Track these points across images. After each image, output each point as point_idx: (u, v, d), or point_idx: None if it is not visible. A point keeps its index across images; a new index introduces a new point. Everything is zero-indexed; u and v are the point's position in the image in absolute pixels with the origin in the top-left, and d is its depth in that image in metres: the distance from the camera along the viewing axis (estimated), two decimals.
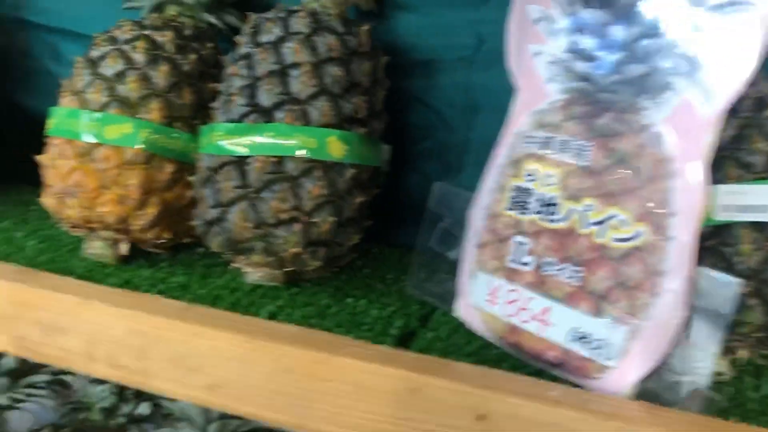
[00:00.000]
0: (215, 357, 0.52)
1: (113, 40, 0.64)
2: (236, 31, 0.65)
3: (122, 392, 0.87)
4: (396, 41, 0.70)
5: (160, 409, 0.88)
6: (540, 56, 0.54)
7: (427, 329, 0.57)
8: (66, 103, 0.64)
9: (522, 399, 0.45)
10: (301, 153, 0.56)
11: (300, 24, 0.59)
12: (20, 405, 0.92)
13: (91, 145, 0.61)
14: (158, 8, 0.69)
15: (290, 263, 0.60)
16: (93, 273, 0.64)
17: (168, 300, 0.57)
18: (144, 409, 0.87)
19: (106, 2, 0.82)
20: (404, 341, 0.55)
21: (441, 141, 0.72)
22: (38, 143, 0.87)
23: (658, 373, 0.45)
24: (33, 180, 0.87)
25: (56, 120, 0.64)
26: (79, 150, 0.62)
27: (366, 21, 0.64)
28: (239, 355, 0.51)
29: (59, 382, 0.96)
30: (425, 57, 0.70)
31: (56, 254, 0.67)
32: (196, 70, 0.65)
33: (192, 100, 0.64)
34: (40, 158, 0.66)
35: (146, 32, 0.64)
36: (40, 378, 0.92)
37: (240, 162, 0.58)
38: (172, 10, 0.69)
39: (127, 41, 0.64)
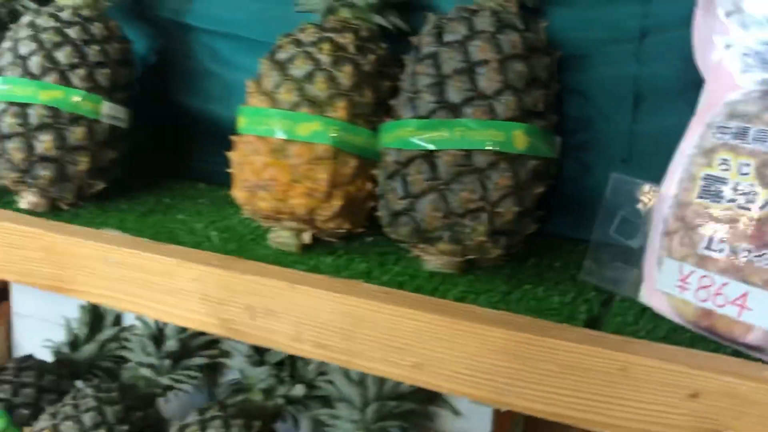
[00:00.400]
0: (421, 337, 0.56)
1: (299, 43, 0.69)
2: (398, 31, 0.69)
3: (279, 374, 0.92)
4: (555, 36, 0.72)
5: (314, 390, 0.93)
6: (732, 48, 0.55)
7: (613, 314, 0.59)
8: (256, 102, 0.69)
9: (737, 378, 0.47)
10: (489, 146, 0.60)
11: (484, 23, 0.62)
12: (180, 386, 0.99)
13: (283, 141, 0.66)
14: (330, 11, 0.73)
15: (473, 251, 0.63)
16: (280, 260, 0.68)
17: (369, 284, 0.61)
18: (299, 390, 0.92)
19: (260, 6, 0.87)
20: (591, 326, 0.57)
21: (600, 132, 0.73)
22: (197, 139, 0.94)
23: None
24: (192, 175, 0.94)
25: (248, 119, 0.69)
26: (273, 147, 0.66)
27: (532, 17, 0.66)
28: (445, 336, 0.55)
29: (215, 365, 1.02)
30: (585, 51, 0.72)
31: (241, 244, 0.73)
32: (375, 70, 0.69)
33: (372, 98, 0.68)
34: (232, 155, 0.71)
35: (329, 35, 0.68)
36: (199, 361, 0.99)
37: (428, 156, 0.61)
38: (343, 13, 0.73)
39: (313, 44, 0.68)
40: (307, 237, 0.70)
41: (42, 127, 0.76)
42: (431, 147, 0.61)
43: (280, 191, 0.67)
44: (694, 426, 0.48)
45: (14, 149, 0.75)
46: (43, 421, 0.89)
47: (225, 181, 0.91)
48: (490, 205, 0.61)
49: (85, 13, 0.82)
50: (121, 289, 0.68)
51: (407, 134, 0.62)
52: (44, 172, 0.76)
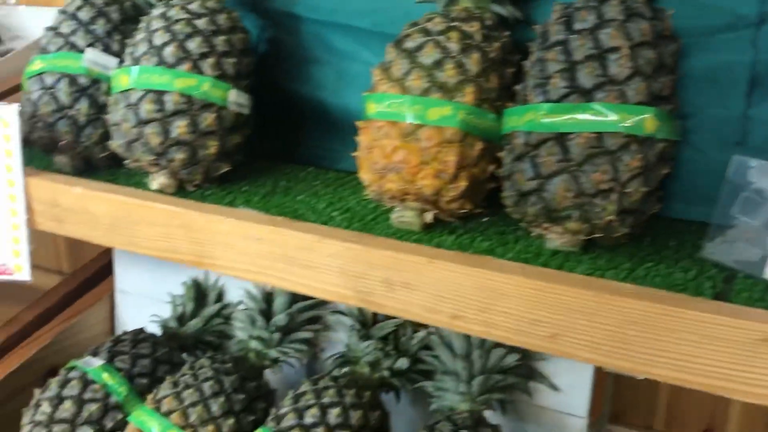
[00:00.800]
0: (561, 310, 0.60)
1: (427, 32, 0.72)
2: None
3: (384, 348, 0.97)
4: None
5: (417, 363, 0.97)
6: None
7: (738, 290, 0.61)
8: (386, 89, 0.72)
9: None
10: (622, 129, 0.62)
11: (614, 11, 0.65)
12: (286, 359, 1.05)
13: (414, 126, 0.70)
14: (451, 2, 0.77)
15: (600, 230, 0.66)
16: (404, 238, 0.73)
17: (503, 260, 0.65)
18: (403, 363, 0.97)
19: None
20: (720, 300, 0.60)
21: (713, 116, 0.75)
22: (307, 125, 0.98)
23: None
24: (302, 159, 0.99)
25: (377, 105, 0.72)
26: (403, 131, 0.70)
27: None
28: (587, 308, 0.59)
29: (316, 339, 1.08)
30: (700, 37, 0.74)
31: (363, 223, 0.77)
32: (499, 57, 0.72)
33: (497, 84, 0.71)
34: (360, 139, 0.75)
35: (456, 24, 0.72)
36: (304, 335, 1.04)
37: (560, 138, 0.65)
38: (464, 3, 0.76)
39: (441, 32, 0.72)
40: (429, 216, 0.74)
41: (177, 113, 0.81)
42: (564, 130, 0.64)
43: (409, 173, 0.70)
44: None
45: (151, 134, 0.81)
46: (165, 389, 0.95)
47: (332, 164, 0.96)
48: (620, 186, 0.64)
49: (211, 5, 0.86)
50: (260, 264, 0.73)
51: (539, 117, 0.65)
52: (178, 155, 0.82)
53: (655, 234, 0.75)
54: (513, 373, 0.91)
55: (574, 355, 0.60)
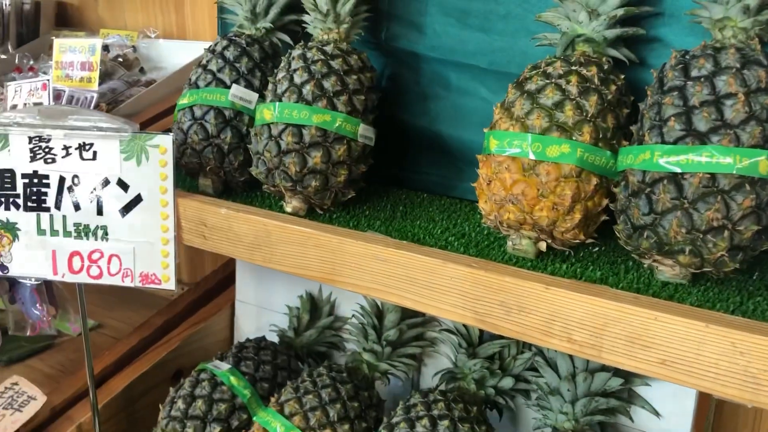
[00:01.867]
0: (671, 337, 0.64)
1: (547, 75, 0.78)
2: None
3: (490, 367, 1.02)
4: None
5: (520, 383, 1.02)
6: None
7: None
8: (507, 127, 0.79)
9: None
10: (736, 171, 0.66)
11: (730, 59, 0.69)
12: (395, 371, 1.12)
13: (533, 162, 0.76)
14: (570, 45, 0.83)
15: (710, 265, 0.70)
16: (518, 265, 0.78)
17: (616, 290, 0.70)
18: (507, 382, 1.02)
19: (486, 38, 0.97)
20: None
21: None
22: (423, 154, 1.06)
23: None
24: (416, 185, 1.06)
25: (499, 141, 0.79)
26: (523, 166, 0.76)
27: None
28: (695, 337, 0.63)
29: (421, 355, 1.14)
30: None
31: (479, 249, 0.83)
32: (615, 98, 0.77)
33: (613, 124, 0.77)
34: (480, 171, 0.82)
35: (575, 68, 0.78)
36: (412, 350, 1.11)
37: (674, 177, 0.69)
38: (582, 47, 0.82)
39: (560, 76, 0.78)
40: (543, 246, 0.80)
41: (313, 144, 0.90)
42: (678, 170, 0.68)
43: (528, 204, 0.76)
44: None
45: (291, 162, 0.90)
46: (287, 394, 1.04)
47: (446, 191, 1.03)
48: (732, 224, 0.68)
49: (343, 47, 0.96)
50: (384, 282, 0.81)
51: (655, 157, 0.70)
52: (313, 182, 0.91)
53: (764, 269, 0.78)
54: (615, 397, 0.95)
55: (684, 381, 0.64)
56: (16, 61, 1.60)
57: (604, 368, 0.95)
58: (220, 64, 1.03)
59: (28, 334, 1.36)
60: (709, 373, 0.63)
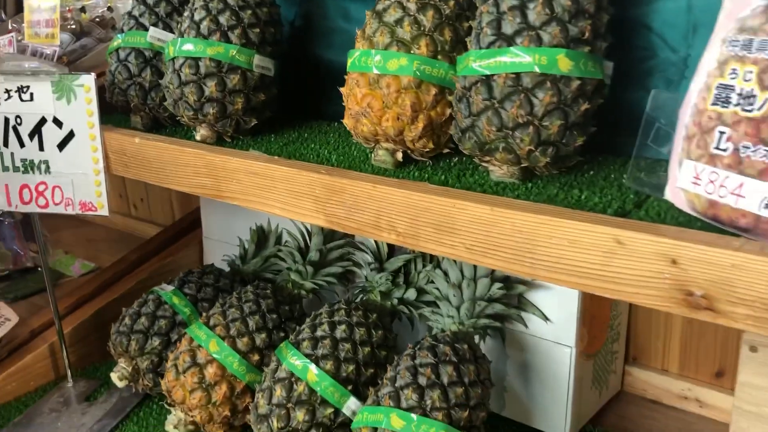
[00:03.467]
0: (470, 223, 0.70)
1: None
2: None
3: (395, 280, 1.10)
4: None
5: (422, 294, 1.10)
6: None
7: (640, 210, 0.69)
8: (360, 46, 0.85)
9: (708, 246, 0.56)
10: (536, 69, 0.71)
11: None
12: (319, 289, 1.21)
13: (377, 75, 0.82)
14: None
15: (526, 161, 0.75)
16: (378, 173, 0.85)
17: (430, 185, 0.77)
18: (411, 294, 1.09)
19: None
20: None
21: (663, 59, 0.81)
22: (331, 85, 1.13)
23: None
24: (326, 116, 1.14)
25: (353, 60, 0.86)
26: (370, 80, 0.83)
27: None
28: (486, 220, 0.69)
29: (348, 273, 1.23)
30: None
31: (350, 163, 0.90)
32: (454, 13, 0.83)
33: (451, 37, 0.82)
34: (343, 90, 0.89)
35: None
36: (335, 269, 1.20)
37: (486, 80, 0.74)
38: None
39: None
40: (399, 155, 0.86)
41: (209, 75, 0.99)
42: (487, 72, 0.74)
43: (375, 116, 0.83)
44: (673, 287, 0.58)
45: (189, 92, 0.99)
46: (215, 309, 1.15)
47: None
48: (537, 119, 0.73)
49: None
50: (258, 194, 0.90)
51: (470, 62, 0.75)
52: (211, 110, 1.00)
53: (603, 168, 0.82)
54: (501, 302, 1.01)
55: (482, 262, 0.70)
56: (9, 26, 1.74)
57: (490, 277, 1.01)
58: (141, 10, 1.12)
59: (11, 267, 1.52)
60: (499, 253, 0.69)
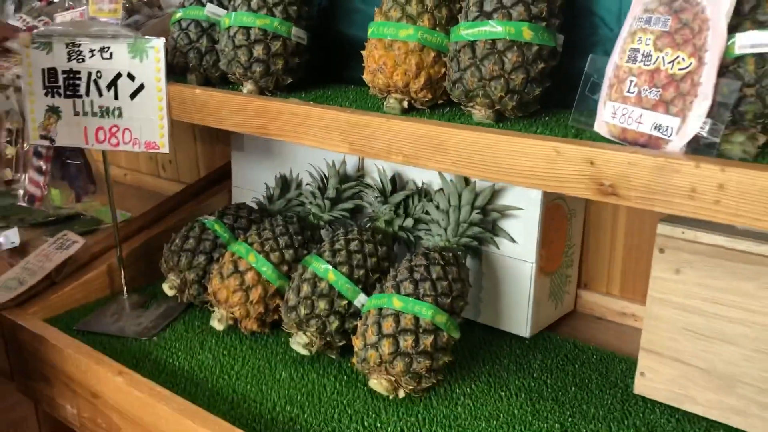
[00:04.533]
0: (460, 145, 0.99)
1: None
2: None
3: (396, 211, 1.38)
4: None
5: (419, 222, 1.38)
6: None
7: (577, 137, 0.97)
8: (378, 19, 1.14)
9: (614, 151, 0.85)
10: (506, 37, 1.00)
11: None
12: (335, 220, 1.49)
13: (391, 41, 1.11)
14: None
15: (499, 105, 1.04)
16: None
17: (429, 119, 1.05)
18: (409, 222, 1.38)
19: None
20: None
21: (602, 35, 1.10)
22: (350, 55, 1.41)
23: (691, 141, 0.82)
24: (346, 80, 1.42)
25: (373, 29, 1.14)
26: (385, 44, 1.11)
27: None
28: (468, 141, 0.97)
29: (358, 208, 1.51)
30: None
31: (366, 108, 1.19)
32: None
33: (446, 14, 1.10)
34: (364, 52, 1.17)
35: None
36: (348, 205, 1.48)
37: (471, 44, 1.03)
38: None
39: None
40: (405, 104, 1.15)
41: (257, 41, 1.26)
42: (472, 38, 1.02)
43: (388, 72, 1.11)
44: (591, 180, 0.87)
45: (241, 53, 1.27)
46: (251, 231, 1.43)
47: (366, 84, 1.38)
48: (507, 74, 1.01)
49: None
50: (297, 130, 1.17)
51: (460, 31, 1.04)
52: (258, 69, 1.27)
53: (554, 115, 1.10)
54: (480, 226, 1.30)
55: (464, 172, 0.99)
56: (66, 4, 2.01)
57: (471, 205, 1.30)
58: None
59: (73, 204, 1.80)
60: (476, 165, 0.98)
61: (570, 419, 1.15)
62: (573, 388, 1.23)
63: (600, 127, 0.95)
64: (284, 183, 1.65)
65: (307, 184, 1.58)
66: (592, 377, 1.26)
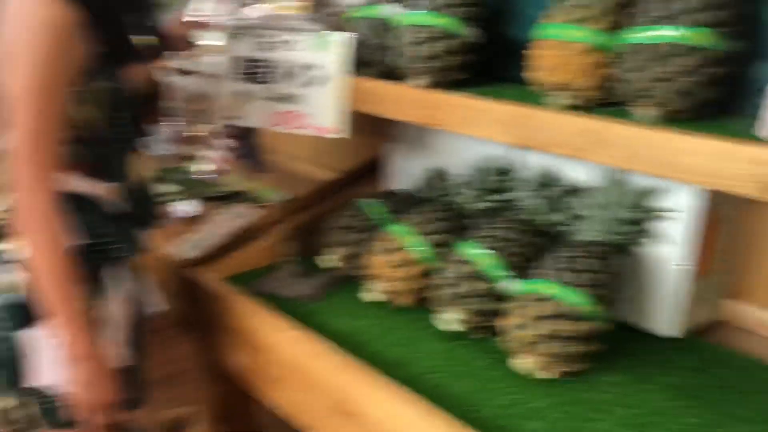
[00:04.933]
0: (620, 139, 1.05)
1: None
2: None
3: (549, 204, 1.46)
4: None
5: (572, 217, 1.45)
6: None
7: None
8: (549, 21, 1.22)
9: None
10: (682, 41, 1.05)
11: None
12: (483, 210, 1.58)
13: (563, 42, 1.19)
14: None
15: (665, 105, 1.09)
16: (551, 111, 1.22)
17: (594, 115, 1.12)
18: (559, 216, 1.45)
19: None
20: None
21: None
22: (513, 56, 1.50)
23: None
24: (506, 79, 1.50)
25: (547, 32, 1.22)
26: (555, 45, 1.19)
27: None
28: (633, 137, 1.03)
29: (511, 200, 1.60)
30: None
31: (527, 102, 1.26)
32: (616, 3, 1.17)
33: (614, 19, 1.17)
34: (537, 52, 1.25)
35: None
36: (499, 197, 1.57)
37: (645, 47, 1.09)
38: None
39: None
40: (570, 101, 1.22)
41: (432, 38, 1.38)
42: (644, 42, 1.08)
43: (560, 70, 1.19)
44: (758, 180, 0.91)
45: (423, 50, 1.38)
46: (408, 215, 1.55)
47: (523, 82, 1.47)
48: (677, 76, 1.06)
49: None
50: (466, 122, 1.28)
51: (631, 35, 1.10)
52: (436, 64, 1.39)
53: (727, 120, 1.13)
54: (630, 224, 1.35)
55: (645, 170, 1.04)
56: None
57: (625, 204, 1.34)
58: None
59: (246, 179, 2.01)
60: (642, 162, 1.04)
61: (716, 418, 1.17)
62: (719, 390, 1.25)
63: (759, 132, 0.99)
64: (438, 173, 1.76)
65: (460, 176, 1.68)
66: (740, 382, 1.28)
